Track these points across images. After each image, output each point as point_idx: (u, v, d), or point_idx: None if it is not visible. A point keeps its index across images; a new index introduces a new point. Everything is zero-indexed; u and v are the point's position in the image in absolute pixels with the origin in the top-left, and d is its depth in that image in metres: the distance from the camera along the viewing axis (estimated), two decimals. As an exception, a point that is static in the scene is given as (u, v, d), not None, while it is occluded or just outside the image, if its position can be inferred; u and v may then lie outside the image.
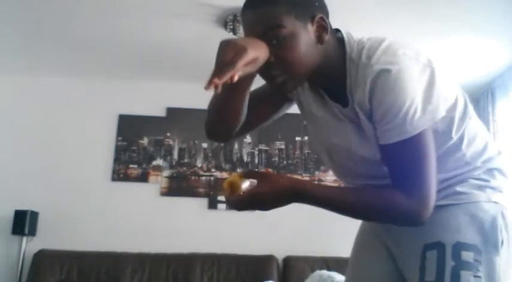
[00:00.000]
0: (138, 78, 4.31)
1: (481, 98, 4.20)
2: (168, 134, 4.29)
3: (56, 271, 3.69)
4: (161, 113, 4.31)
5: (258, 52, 1.03)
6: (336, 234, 3.55)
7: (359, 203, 1.08)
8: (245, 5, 1.13)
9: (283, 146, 4.32)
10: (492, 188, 1.18)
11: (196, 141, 4.28)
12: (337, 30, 1.20)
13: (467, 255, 1.10)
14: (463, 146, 1.18)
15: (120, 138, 4.28)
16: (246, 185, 1.12)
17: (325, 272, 3.51)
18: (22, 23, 3.44)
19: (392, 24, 3.31)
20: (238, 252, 3.88)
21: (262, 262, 3.83)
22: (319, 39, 1.11)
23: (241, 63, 0.99)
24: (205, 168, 4.25)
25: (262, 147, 4.32)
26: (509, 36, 3.40)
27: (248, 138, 4.31)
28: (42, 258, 3.75)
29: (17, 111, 4.27)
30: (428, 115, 1.05)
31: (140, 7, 3.20)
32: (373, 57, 1.07)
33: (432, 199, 1.04)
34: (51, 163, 4.15)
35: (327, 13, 1.14)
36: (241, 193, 1.10)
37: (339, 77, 1.14)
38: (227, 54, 1.00)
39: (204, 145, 4.28)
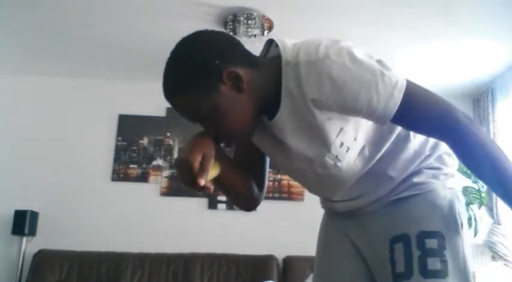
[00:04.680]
0: (138, 78, 4.31)
1: (481, 98, 4.20)
2: (168, 134, 4.29)
3: (56, 271, 3.69)
4: (161, 113, 4.31)
5: (199, 151, 1.09)
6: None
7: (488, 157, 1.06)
8: (164, 94, 1.14)
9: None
10: (445, 174, 1.24)
11: (196, 141, 4.27)
12: (271, 41, 1.21)
13: (432, 242, 1.13)
14: (411, 136, 1.21)
15: (120, 138, 4.28)
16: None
17: (325, 272, 3.51)
18: (22, 22, 3.44)
19: (394, 27, 3.32)
20: (238, 252, 3.88)
21: (262, 262, 3.83)
22: (239, 89, 1.09)
23: (197, 173, 1.05)
24: (205, 168, 4.25)
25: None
26: (509, 37, 3.41)
27: (248, 138, 4.30)
28: (42, 258, 3.75)
29: (17, 111, 4.27)
30: (395, 72, 1.07)
31: (140, 7, 3.20)
32: (319, 52, 1.06)
33: (463, 113, 1.07)
34: (51, 163, 4.15)
35: (232, 58, 1.10)
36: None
37: (277, 89, 1.12)
38: (183, 174, 1.08)
39: (204, 145, 4.28)
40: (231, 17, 3.25)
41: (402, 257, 1.14)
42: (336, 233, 1.35)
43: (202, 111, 1.09)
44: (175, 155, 4.27)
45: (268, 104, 1.14)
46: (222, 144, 1.19)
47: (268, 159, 1.35)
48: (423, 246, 1.13)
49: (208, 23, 3.33)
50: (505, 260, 3.69)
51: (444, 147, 1.25)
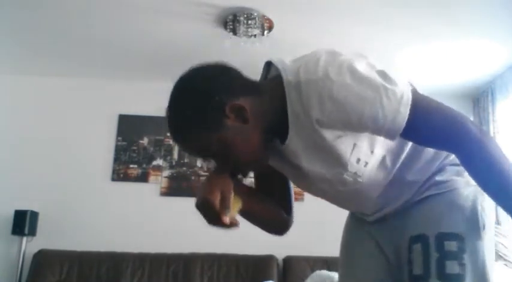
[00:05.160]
0: (138, 78, 4.31)
1: (481, 98, 4.20)
2: (168, 134, 4.27)
3: (56, 271, 3.69)
4: (161, 113, 4.26)
5: (217, 188, 1.09)
6: (336, 234, 3.54)
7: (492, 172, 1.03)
8: (172, 139, 1.19)
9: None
10: None
11: (196, 141, 4.27)
12: (269, 64, 1.19)
13: (451, 245, 1.10)
14: None
15: (120, 138, 4.28)
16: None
17: (325, 272, 3.51)
18: (22, 22, 3.44)
19: (394, 27, 3.32)
20: (238, 252, 3.88)
21: (262, 262, 3.83)
22: (244, 120, 1.08)
23: (220, 212, 1.07)
24: (205, 168, 4.25)
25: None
26: (509, 37, 3.40)
27: (248, 138, 4.30)
28: (42, 258, 3.75)
29: (17, 111, 4.27)
30: (399, 83, 1.04)
31: (140, 7, 3.20)
32: (318, 69, 1.03)
33: (474, 125, 1.04)
34: (51, 163, 4.15)
35: (232, 90, 1.09)
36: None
37: (284, 110, 1.10)
38: (206, 215, 1.11)
39: (204, 145, 4.28)
40: (231, 17, 3.25)
41: (420, 259, 1.12)
42: (359, 232, 1.34)
43: (211, 148, 1.09)
44: (175, 155, 4.27)
45: (278, 126, 1.12)
46: (239, 176, 1.20)
47: (290, 181, 1.35)
48: (442, 248, 1.10)
49: (208, 23, 3.33)
50: (505, 260, 3.69)
51: None
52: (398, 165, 1.16)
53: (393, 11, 3.13)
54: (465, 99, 4.28)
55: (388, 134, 1.05)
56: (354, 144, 1.09)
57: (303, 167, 1.15)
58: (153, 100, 4.37)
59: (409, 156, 1.17)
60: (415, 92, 1.05)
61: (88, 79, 4.34)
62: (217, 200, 1.07)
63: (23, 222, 3.77)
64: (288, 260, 3.88)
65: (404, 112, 1.01)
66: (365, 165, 1.11)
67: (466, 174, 1.15)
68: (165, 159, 4.26)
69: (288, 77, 1.08)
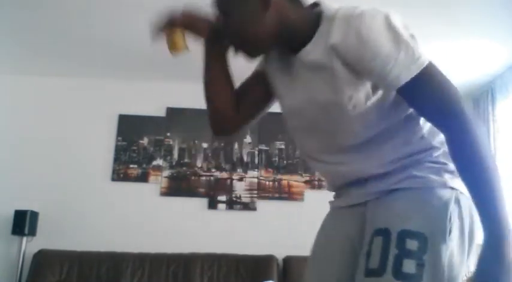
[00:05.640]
0: (138, 78, 4.31)
1: (481, 98, 4.20)
2: (168, 134, 4.29)
3: (56, 271, 3.69)
4: (161, 113, 4.31)
5: (191, 16, 1.28)
6: (336, 234, 3.54)
7: (477, 162, 1.03)
8: None
9: (283, 146, 4.32)
10: (450, 172, 1.15)
11: (196, 141, 4.27)
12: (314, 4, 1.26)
13: (412, 244, 1.06)
14: (421, 121, 1.19)
15: (120, 138, 4.28)
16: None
17: (325, 272, 3.51)
18: (22, 22, 3.44)
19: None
20: (238, 252, 3.88)
21: (262, 262, 3.83)
22: (265, 5, 1.16)
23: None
24: (205, 168, 4.25)
25: (262, 147, 4.31)
26: (509, 37, 3.41)
27: (248, 138, 4.30)
28: (42, 258, 3.75)
29: (17, 111, 4.27)
30: (423, 50, 1.09)
31: (140, 7, 3.20)
32: (356, 10, 1.11)
33: (465, 109, 1.06)
34: (51, 163, 4.15)
35: None
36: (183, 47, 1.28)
37: (305, 35, 1.18)
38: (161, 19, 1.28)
39: (204, 145, 4.28)
40: (231, 17, 3.25)
41: (378, 253, 1.08)
42: (335, 232, 1.32)
43: (229, 6, 1.20)
44: (176, 155, 4.27)
45: (293, 40, 1.20)
46: (231, 49, 1.28)
47: (266, 108, 1.42)
48: (403, 246, 1.06)
49: (208, 23, 3.33)
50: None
51: None
52: (380, 127, 1.17)
53: (393, 11, 3.13)
54: (465, 99, 4.24)
55: (389, 85, 1.09)
56: (355, 86, 1.13)
57: (299, 79, 1.22)
58: (153, 100, 4.40)
59: (394, 127, 1.17)
60: (432, 63, 1.09)
61: (88, 79, 4.34)
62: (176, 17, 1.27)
63: (23, 222, 3.77)
64: (288, 260, 3.88)
65: (413, 71, 1.06)
66: (354, 107, 1.14)
67: (445, 175, 1.15)
68: (165, 159, 4.26)
69: (327, 11, 1.17)
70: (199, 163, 4.26)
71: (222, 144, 4.28)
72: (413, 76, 1.05)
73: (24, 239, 3.84)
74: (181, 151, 4.28)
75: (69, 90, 4.34)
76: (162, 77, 4.27)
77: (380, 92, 1.14)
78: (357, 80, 1.12)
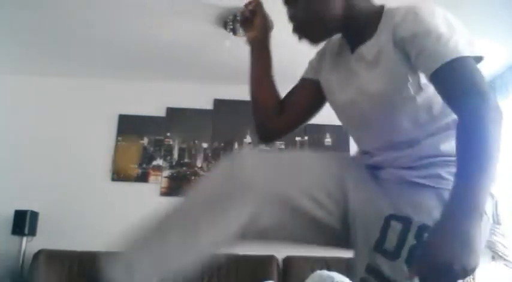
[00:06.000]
0: (138, 78, 4.31)
1: (481, 98, 4.20)
2: (168, 134, 4.29)
3: (56, 271, 3.69)
4: (161, 113, 4.31)
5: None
6: (336, 234, 3.54)
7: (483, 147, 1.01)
8: None
9: (283, 146, 4.32)
10: None
11: (196, 141, 4.28)
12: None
13: None
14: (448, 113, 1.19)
15: (120, 138, 4.28)
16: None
17: (325, 272, 3.51)
18: (22, 22, 3.44)
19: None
20: (238, 252, 3.88)
21: (262, 262, 3.83)
22: None
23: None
24: (205, 168, 4.25)
25: (262, 147, 4.31)
26: (509, 37, 3.41)
27: (248, 139, 4.31)
28: (42, 258, 3.74)
29: (17, 111, 4.27)
30: (466, 43, 1.15)
31: (140, 7, 3.20)
32: (414, 5, 1.18)
33: (493, 95, 1.05)
34: (51, 163, 4.15)
35: None
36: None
37: (367, 26, 1.23)
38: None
39: (204, 145, 4.28)
40: (231, 17, 3.25)
41: (395, 236, 1.11)
42: (344, 169, 1.29)
43: None
44: (176, 155, 4.27)
45: (356, 29, 1.25)
46: (295, 35, 1.32)
47: (311, 116, 1.45)
48: (420, 238, 1.09)
49: (208, 23, 3.33)
50: (505, 260, 3.69)
51: None
52: (425, 129, 1.20)
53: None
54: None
55: (425, 63, 1.12)
56: (405, 79, 1.17)
57: (354, 74, 1.25)
58: (153, 100, 4.40)
59: (435, 127, 1.19)
60: (472, 60, 1.13)
61: (88, 79, 4.34)
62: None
63: (23, 222, 3.77)
64: (288, 260, 3.88)
65: (465, 52, 1.12)
66: (402, 100, 1.18)
67: None
68: (165, 159, 4.26)
69: (388, 7, 1.25)
70: (199, 163, 4.26)
71: (222, 144, 4.28)
72: (463, 56, 1.10)
73: (24, 239, 3.84)
74: (181, 151, 4.28)
75: (69, 90, 4.34)
76: (162, 77, 4.28)
77: (429, 91, 1.16)
78: (408, 71, 1.16)
